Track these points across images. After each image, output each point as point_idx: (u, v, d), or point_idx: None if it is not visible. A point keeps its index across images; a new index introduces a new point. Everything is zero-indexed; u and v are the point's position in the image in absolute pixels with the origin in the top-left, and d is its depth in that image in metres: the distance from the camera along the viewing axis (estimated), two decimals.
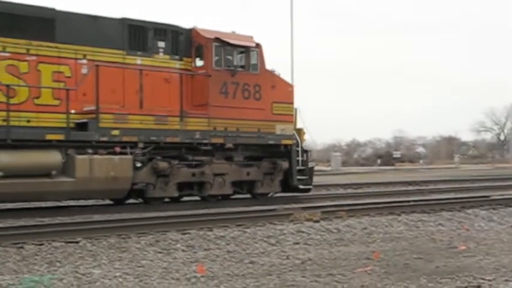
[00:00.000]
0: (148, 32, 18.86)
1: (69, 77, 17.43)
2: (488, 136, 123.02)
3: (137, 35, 18.64)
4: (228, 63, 19.91)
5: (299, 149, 21.68)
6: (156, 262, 10.67)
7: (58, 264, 10.32)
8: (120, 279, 9.18)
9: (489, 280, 9.11)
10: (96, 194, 18.17)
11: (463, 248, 12.34)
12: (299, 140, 21.77)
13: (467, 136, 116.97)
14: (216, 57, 19.71)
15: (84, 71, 17.61)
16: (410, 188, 26.27)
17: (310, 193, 23.00)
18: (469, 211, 18.04)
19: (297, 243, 12.99)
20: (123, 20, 18.57)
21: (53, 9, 17.29)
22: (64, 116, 16.97)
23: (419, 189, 26.31)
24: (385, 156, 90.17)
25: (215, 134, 19.63)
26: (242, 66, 20.30)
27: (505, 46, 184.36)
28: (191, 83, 19.47)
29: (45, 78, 17.05)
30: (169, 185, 19.03)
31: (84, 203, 19.64)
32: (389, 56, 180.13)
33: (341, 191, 28.08)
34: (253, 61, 20.52)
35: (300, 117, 22.29)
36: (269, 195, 21.56)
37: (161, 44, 19.04)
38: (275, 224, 14.84)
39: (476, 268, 10.10)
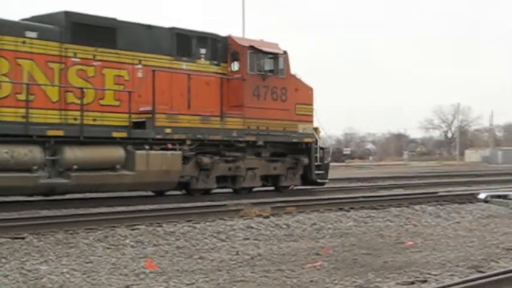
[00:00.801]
0: (192, 39, 21.04)
1: (127, 80, 19.46)
2: (436, 134, 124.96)
3: (183, 42, 20.79)
4: (259, 68, 22.19)
5: (317, 146, 24.03)
6: (104, 258, 10.57)
7: (4, 260, 10.13)
8: (68, 276, 9.07)
9: (435, 275, 9.23)
10: (151, 186, 20.11)
11: (411, 243, 12.49)
12: (317, 138, 24.13)
13: (415, 133, 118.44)
14: (250, 63, 21.93)
15: (139, 74, 19.65)
16: (360, 184, 26.49)
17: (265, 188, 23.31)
18: (417, 207, 18.26)
19: (247, 239, 13.01)
20: (172, 29, 20.71)
21: (114, 19, 19.35)
22: (124, 115, 18.99)
23: (368, 186, 26.56)
24: (336, 153, 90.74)
25: (249, 132, 21.87)
26: (271, 71, 22.55)
27: (452, 45, 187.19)
28: (228, 86, 21.53)
29: (108, 81, 19.04)
30: (210, 178, 21.14)
31: (32, 198, 19.39)
32: (337, 53, 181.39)
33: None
34: (280, 66, 22.86)
35: (316, 117, 24.58)
36: (290, 187, 23.84)
37: (202, 50, 21.27)
38: (225, 219, 14.83)
39: (423, 263, 10.23)
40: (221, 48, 21.76)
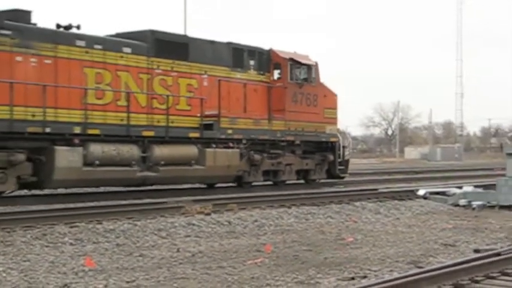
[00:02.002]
0: (244, 52, 24.13)
1: (196, 88, 22.38)
2: (376, 131, 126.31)
3: (237, 55, 23.82)
4: (296, 77, 25.41)
5: (340, 145, 27.33)
6: (42, 256, 10.40)
7: None
8: (4, 274, 8.88)
9: (375, 271, 9.33)
10: (217, 178, 23.18)
11: (351, 239, 12.60)
12: (340, 138, 27.39)
13: (356, 131, 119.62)
14: (290, 73, 25.15)
15: (205, 83, 22.61)
16: (301, 181, 26.63)
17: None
18: (357, 204, 18.44)
19: (188, 236, 12.96)
20: (229, 44, 23.73)
21: (186, 36, 23.11)
22: (194, 118, 22.07)
23: (309, 183, 26.71)
24: None
25: (289, 133, 25.15)
26: (305, 80, 25.75)
27: (392, 43, 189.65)
28: (272, 93, 24.75)
29: (182, 89, 22.00)
30: (258, 172, 24.24)
31: None
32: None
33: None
34: (313, 75, 26.10)
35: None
36: (317, 181, 26.96)
37: (252, 62, 24.38)
38: (166, 216, 14.72)
39: (363, 259, 10.32)
40: (265, 60, 24.97)
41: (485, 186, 21.88)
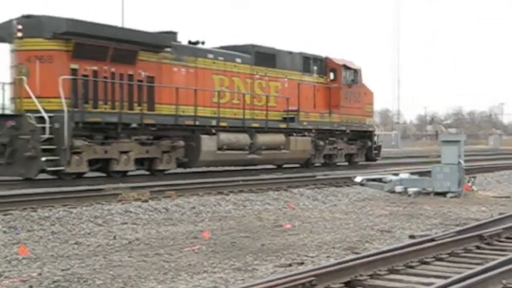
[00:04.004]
0: (310, 60, 29.91)
1: (280, 89, 28.03)
2: None
3: (306, 62, 29.60)
4: (347, 80, 31.27)
5: (375, 133, 33.57)
6: None
7: None
8: None
9: (312, 257, 9.39)
10: (296, 160, 28.96)
11: (288, 226, 12.65)
12: (375, 128, 33.96)
13: None
14: (343, 76, 30.98)
15: (286, 85, 28.24)
16: (240, 168, 26.64)
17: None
18: (295, 190, 18.52)
19: (125, 223, 12.84)
20: (300, 53, 29.52)
21: (274, 48, 28.22)
22: (278, 113, 27.66)
23: (248, 169, 26.73)
24: None
25: (342, 124, 30.97)
26: (353, 81, 31.60)
27: (332, 31, 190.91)
28: (329, 92, 30.52)
29: (272, 90, 27.64)
30: (320, 155, 29.89)
31: None
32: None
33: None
34: (358, 78, 32.06)
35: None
36: (359, 162, 32.41)
37: (315, 67, 30.11)
38: (103, 204, 14.51)
39: (300, 246, 10.38)
40: (324, 65, 30.72)
41: (421, 173, 22.22)
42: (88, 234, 11.57)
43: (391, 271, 7.98)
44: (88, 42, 20.35)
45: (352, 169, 29.04)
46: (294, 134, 28.09)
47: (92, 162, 20.70)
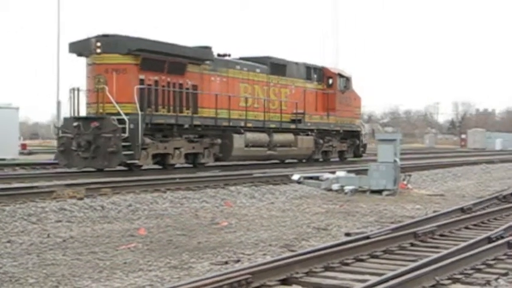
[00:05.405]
0: (311, 69, 34.16)
1: (289, 95, 32.24)
2: None
3: (308, 71, 33.88)
4: (341, 86, 35.68)
5: (362, 133, 38.13)
6: None
7: None
8: None
9: (248, 254, 9.40)
10: (302, 156, 33.29)
11: (225, 224, 12.63)
12: (362, 128, 38.47)
13: None
14: (338, 84, 35.37)
15: (293, 91, 32.48)
16: (178, 165, 26.52)
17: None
18: (232, 188, 18.49)
19: (59, 221, 12.63)
20: (304, 64, 33.81)
21: (285, 59, 32.43)
22: (289, 115, 32.02)
23: (186, 167, 26.62)
24: None
25: (337, 125, 35.46)
26: (345, 87, 36.08)
27: (276, 32, 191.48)
28: (327, 98, 34.85)
29: (282, 96, 31.80)
30: (320, 152, 34.26)
31: None
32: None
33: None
34: (349, 84, 36.61)
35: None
36: (347, 158, 36.74)
37: (314, 75, 34.37)
38: (36, 201, 14.27)
39: (237, 243, 10.37)
40: (321, 73, 34.99)
41: (357, 171, 22.44)
42: (21, 232, 11.34)
43: (327, 268, 8.04)
44: (151, 57, 24.45)
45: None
46: (301, 134, 32.42)
47: (153, 157, 24.69)
